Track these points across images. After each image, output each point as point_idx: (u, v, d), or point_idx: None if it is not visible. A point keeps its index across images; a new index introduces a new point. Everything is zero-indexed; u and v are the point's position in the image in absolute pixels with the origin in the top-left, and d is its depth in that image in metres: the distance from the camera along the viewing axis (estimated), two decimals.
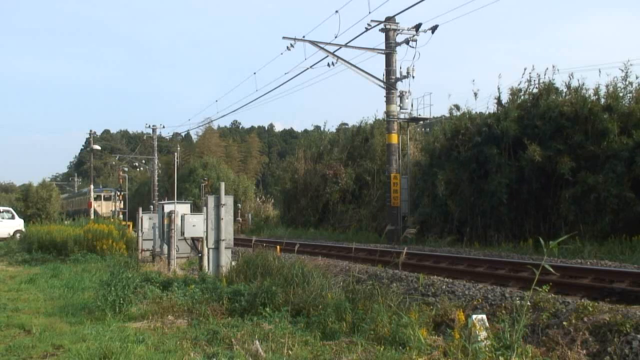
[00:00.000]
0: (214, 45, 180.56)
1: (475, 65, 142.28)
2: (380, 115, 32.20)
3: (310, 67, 24.82)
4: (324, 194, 34.18)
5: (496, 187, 19.97)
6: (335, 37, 23.74)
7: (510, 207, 20.22)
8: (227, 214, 11.64)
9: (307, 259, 12.90)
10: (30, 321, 8.31)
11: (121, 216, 43.04)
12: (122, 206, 52.00)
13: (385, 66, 24.60)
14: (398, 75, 24.42)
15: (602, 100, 19.06)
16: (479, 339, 5.52)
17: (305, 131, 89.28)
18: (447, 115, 25.95)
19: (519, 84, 21.82)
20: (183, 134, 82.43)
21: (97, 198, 55.49)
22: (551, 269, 5.69)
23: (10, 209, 34.87)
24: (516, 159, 20.02)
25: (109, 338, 6.96)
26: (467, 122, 22.81)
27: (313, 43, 24.41)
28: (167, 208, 14.20)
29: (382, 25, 24.10)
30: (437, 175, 23.12)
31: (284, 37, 24.54)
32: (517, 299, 8.14)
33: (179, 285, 10.09)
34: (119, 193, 55.38)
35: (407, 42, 24.08)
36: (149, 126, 52.57)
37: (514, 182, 19.90)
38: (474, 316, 5.94)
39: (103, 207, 55.35)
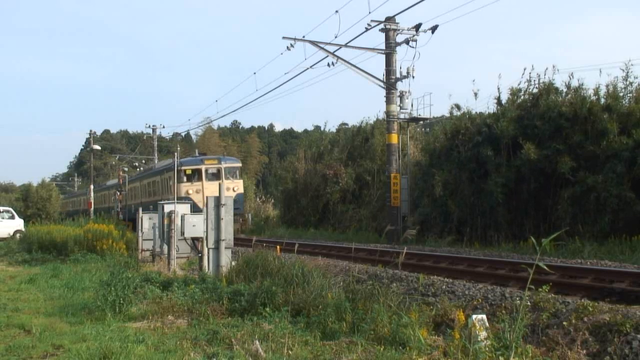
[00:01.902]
0: (214, 45, 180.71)
1: (475, 65, 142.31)
2: (381, 115, 32.22)
3: (310, 67, 24.83)
4: (324, 194, 34.18)
5: (493, 188, 20.00)
6: (335, 37, 23.76)
7: (510, 207, 20.23)
8: (227, 214, 11.65)
9: (307, 259, 12.92)
10: (30, 321, 8.31)
11: (121, 216, 42.19)
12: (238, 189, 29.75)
13: (385, 66, 24.60)
14: (398, 75, 24.42)
15: (602, 100, 19.07)
16: (479, 339, 5.52)
17: (305, 131, 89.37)
18: (447, 115, 25.98)
19: (518, 84, 21.86)
20: (183, 134, 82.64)
21: (193, 175, 29.29)
22: (546, 268, 5.69)
23: (10, 209, 34.87)
24: (515, 159, 20.03)
25: (109, 338, 6.97)
26: (467, 122, 22.82)
27: (313, 43, 24.42)
28: (167, 208, 14.21)
29: (382, 25, 24.09)
30: (435, 175, 23.14)
31: (284, 37, 24.56)
32: (517, 299, 8.14)
33: (179, 285, 10.10)
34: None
35: (407, 42, 24.08)
36: (149, 126, 52.73)
37: (513, 182, 19.91)
38: (474, 316, 5.94)
39: (208, 191, 25.85)
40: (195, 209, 24.58)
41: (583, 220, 17.69)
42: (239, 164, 31.74)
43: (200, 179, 28.64)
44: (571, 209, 18.08)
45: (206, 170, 29.11)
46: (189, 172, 29.07)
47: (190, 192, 27.94)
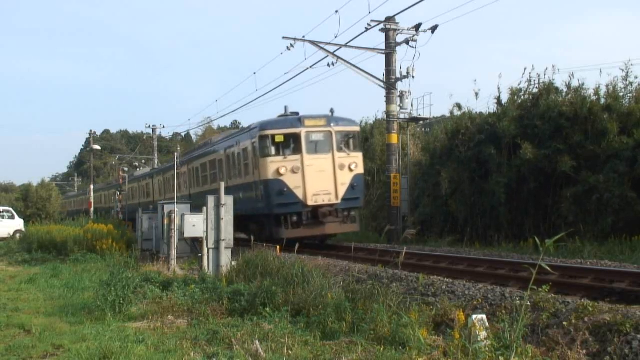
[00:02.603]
0: (214, 45, 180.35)
1: (475, 65, 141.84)
2: (381, 115, 32.19)
3: (310, 67, 24.72)
4: None
5: (494, 187, 20.00)
6: (335, 37, 23.68)
7: (511, 207, 20.22)
8: (227, 214, 11.66)
9: (307, 259, 12.92)
10: (30, 321, 8.32)
11: (121, 216, 41.93)
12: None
13: (385, 66, 24.58)
14: (398, 75, 24.40)
15: (602, 100, 19.07)
16: (479, 339, 5.52)
17: None
18: (448, 115, 25.97)
19: (519, 84, 21.83)
20: (183, 134, 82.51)
21: (287, 144, 18.67)
22: (548, 268, 5.69)
23: (11, 209, 34.89)
24: (516, 159, 20.03)
25: (109, 338, 6.97)
26: (467, 122, 22.84)
27: (313, 43, 24.40)
28: (167, 208, 14.23)
29: (382, 25, 24.06)
30: (440, 174, 23.13)
31: (284, 37, 24.46)
32: (517, 299, 8.14)
33: (179, 285, 10.11)
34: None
35: (407, 42, 24.05)
36: (149, 126, 52.73)
37: (513, 181, 19.91)
38: (474, 316, 5.95)
39: (311, 171, 18.24)
40: (289, 199, 17.57)
41: (584, 220, 17.68)
42: (357, 128, 20.52)
43: (298, 150, 18.25)
44: (573, 207, 18.08)
45: (307, 137, 18.43)
46: (279, 138, 18.40)
47: (283, 171, 17.97)
